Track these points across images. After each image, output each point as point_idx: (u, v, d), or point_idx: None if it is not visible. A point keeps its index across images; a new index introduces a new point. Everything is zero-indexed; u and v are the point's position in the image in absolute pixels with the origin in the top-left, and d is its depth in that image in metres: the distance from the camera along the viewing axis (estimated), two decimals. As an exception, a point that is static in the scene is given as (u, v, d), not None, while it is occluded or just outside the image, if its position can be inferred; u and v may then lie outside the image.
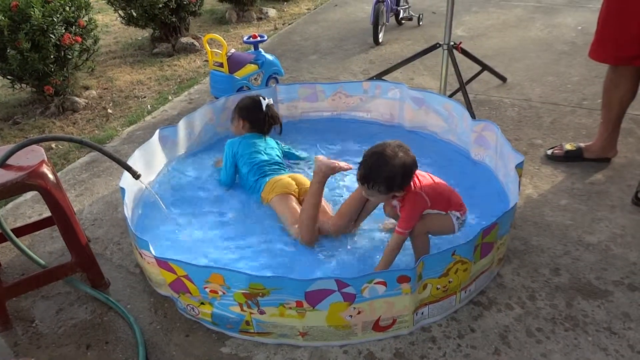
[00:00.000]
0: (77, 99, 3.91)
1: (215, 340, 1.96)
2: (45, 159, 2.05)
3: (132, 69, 4.64)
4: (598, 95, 3.59)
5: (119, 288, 2.23)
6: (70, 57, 3.72)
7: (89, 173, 3.07)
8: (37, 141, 2.06)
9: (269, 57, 3.83)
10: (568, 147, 2.96)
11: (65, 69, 3.76)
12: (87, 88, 4.17)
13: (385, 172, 1.95)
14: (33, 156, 2.04)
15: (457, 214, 2.12)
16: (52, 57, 3.58)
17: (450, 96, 3.50)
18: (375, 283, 1.80)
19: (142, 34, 5.47)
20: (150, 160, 2.76)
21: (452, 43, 3.40)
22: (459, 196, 2.17)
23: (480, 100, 3.68)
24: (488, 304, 2.07)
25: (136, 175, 2.21)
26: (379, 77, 3.73)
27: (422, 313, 1.96)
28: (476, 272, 2.03)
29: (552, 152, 2.99)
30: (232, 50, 3.65)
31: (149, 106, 3.89)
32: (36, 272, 2.10)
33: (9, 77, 3.73)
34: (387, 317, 1.89)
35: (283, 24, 5.75)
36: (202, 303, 1.94)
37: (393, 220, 2.47)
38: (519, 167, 2.31)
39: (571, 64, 4.27)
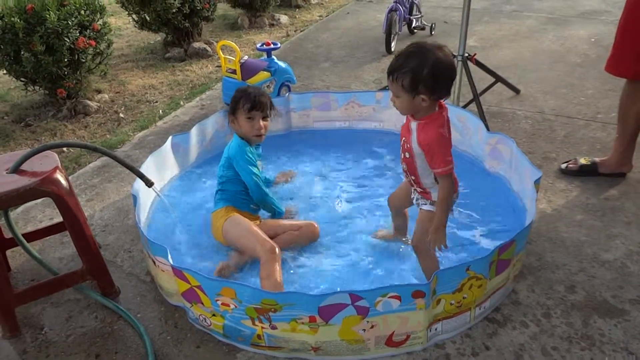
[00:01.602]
0: (89, 102, 3.92)
1: (226, 352, 1.94)
2: (59, 165, 2.04)
3: (144, 73, 4.65)
4: (612, 108, 3.58)
5: (129, 296, 2.22)
6: (83, 60, 3.73)
7: (100, 178, 3.07)
8: (51, 147, 2.05)
9: (282, 64, 3.82)
10: (582, 161, 2.93)
11: (78, 72, 3.77)
12: (99, 91, 4.18)
13: (414, 62, 1.73)
14: (47, 162, 2.04)
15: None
16: (65, 60, 3.58)
17: (464, 107, 3.47)
18: (389, 297, 1.78)
19: (155, 38, 5.49)
20: (161, 167, 2.75)
21: (466, 54, 3.38)
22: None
23: (493, 112, 3.66)
24: (503, 321, 2.04)
25: (149, 183, 2.20)
26: (392, 86, 3.71)
27: (436, 329, 1.93)
28: (491, 288, 2.00)
29: (567, 167, 2.96)
30: (245, 57, 3.64)
31: (160, 111, 3.89)
32: (47, 279, 2.09)
33: (22, 79, 3.74)
34: (401, 333, 1.87)
35: (295, 31, 5.76)
36: (214, 315, 1.92)
37: (385, 230, 2.43)
38: (537, 182, 2.29)
39: (585, 76, 4.24)
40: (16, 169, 1.97)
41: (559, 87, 4.07)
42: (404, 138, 1.96)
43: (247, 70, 3.60)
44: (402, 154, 2.00)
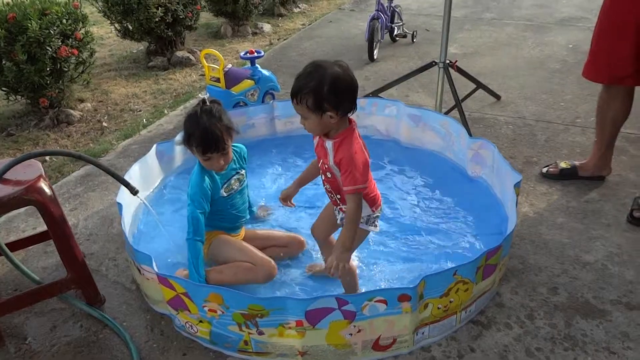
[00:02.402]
0: (71, 111, 3.89)
1: (212, 359, 1.94)
2: (43, 173, 2.03)
3: (127, 82, 4.63)
4: (591, 113, 3.66)
5: (115, 305, 2.20)
6: (66, 69, 3.71)
7: (83, 187, 3.04)
8: (35, 155, 2.04)
9: (266, 72, 3.84)
10: (563, 165, 2.99)
11: (60, 81, 3.74)
12: (82, 101, 4.15)
13: (313, 81, 1.71)
14: (30, 170, 2.02)
15: (369, 210, 1.94)
16: (48, 69, 3.56)
17: (446, 113, 3.52)
18: (375, 301, 1.79)
19: (138, 47, 5.47)
20: (146, 175, 2.74)
21: (447, 61, 3.44)
22: (376, 187, 2.00)
23: (475, 118, 3.72)
24: (487, 324, 2.07)
25: (134, 191, 2.19)
26: (375, 94, 3.76)
27: (423, 333, 1.95)
28: (477, 292, 2.03)
29: (547, 170, 3.01)
30: (229, 66, 3.65)
31: (144, 120, 3.88)
32: (30, 289, 2.06)
33: (3, 88, 3.70)
34: (387, 337, 1.88)
35: (278, 39, 5.79)
36: (201, 321, 1.92)
37: (319, 265, 2.30)
38: (517, 186, 2.33)
39: (564, 82, 4.34)
40: (-1, 178, 1.96)
41: (539, 92, 4.15)
42: (321, 160, 1.92)
43: (231, 78, 3.61)
44: (323, 175, 1.95)
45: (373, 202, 1.97)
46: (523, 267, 2.35)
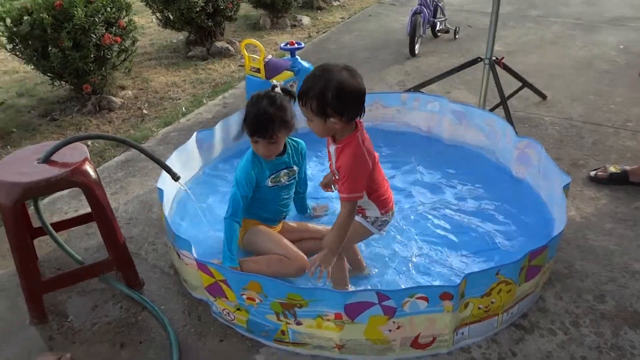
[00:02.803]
0: (113, 98, 3.95)
1: (249, 347, 1.93)
2: (88, 156, 2.05)
3: (167, 71, 4.68)
4: (643, 117, 3.52)
5: (154, 289, 2.22)
6: (109, 56, 3.76)
7: (124, 172, 3.09)
8: (81, 139, 2.07)
9: (305, 64, 3.81)
10: (612, 169, 2.88)
11: (103, 68, 3.80)
12: (123, 88, 4.21)
13: (319, 85, 1.70)
14: (76, 153, 2.05)
15: (378, 213, 1.93)
16: (92, 56, 3.62)
17: (490, 111, 3.44)
18: (417, 298, 1.75)
19: (177, 36, 5.52)
20: (186, 162, 2.75)
21: (494, 58, 3.35)
22: (389, 190, 1.99)
23: (519, 117, 3.61)
24: (530, 328, 2.00)
25: (175, 177, 2.20)
26: (417, 89, 3.69)
27: (462, 333, 1.90)
28: (520, 294, 1.96)
29: (596, 174, 2.90)
30: (269, 57, 3.64)
31: (183, 108, 3.91)
32: (73, 269, 2.10)
33: (49, 74, 3.78)
34: (427, 335, 1.84)
35: (317, 32, 5.76)
36: (238, 309, 1.91)
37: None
38: (566, 188, 2.24)
39: (614, 83, 4.17)
40: (47, 159, 1.99)
41: (587, 93, 4.01)
42: (329, 161, 1.94)
43: (271, 69, 3.60)
44: (333, 176, 1.99)
45: (383, 205, 1.95)
46: (568, 272, 2.26)
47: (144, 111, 3.91)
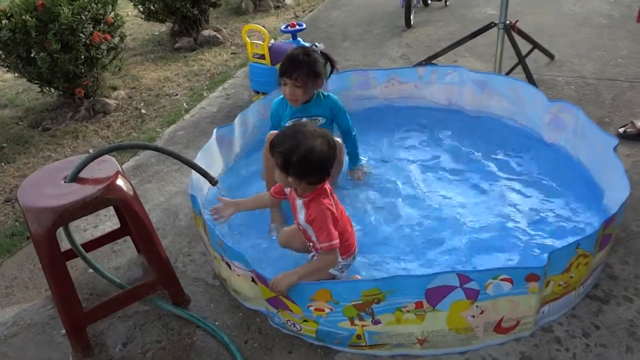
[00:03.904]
0: (107, 100, 3.72)
1: (322, 356, 1.81)
2: (120, 169, 1.87)
3: (156, 66, 4.44)
4: (656, 68, 3.47)
5: (202, 304, 2.07)
6: (99, 56, 3.51)
7: (138, 179, 2.89)
8: (109, 151, 1.88)
9: (308, 46, 3.63)
10: (641, 124, 2.82)
11: (95, 69, 3.55)
12: (115, 88, 3.96)
13: (287, 145, 1.73)
14: (106, 167, 1.87)
15: (340, 258, 1.89)
16: (82, 57, 3.37)
17: (507, 74, 3.34)
18: (500, 279, 1.66)
19: (159, 28, 5.24)
20: (209, 162, 2.58)
21: (508, 22, 3.23)
22: (353, 235, 1.99)
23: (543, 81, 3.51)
24: (605, 298, 1.94)
25: (213, 182, 2.04)
26: (429, 61, 3.55)
27: (543, 312, 1.82)
28: (594, 265, 1.89)
29: (625, 131, 2.84)
30: (272, 41, 3.45)
31: (184, 104, 3.70)
32: (117, 293, 1.93)
33: (36, 81, 3.51)
34: (511, 318, 1.75)
35: (303, 12, 5.55)
36: (305, 320, 1.78)
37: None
38: (615, 149, 2.17)
39: (614, 37, 4.12)
40: (75, 177, 1.81)
41: (592, 49, 3.94)
42: (293, 213, 1.92)
43: (276, 54, 3.41)
44: (296, 224, 1.96)
45: (345, 251, 1.92)
46: (627, 235, 2.20)
47: (142, 111, 3.69)
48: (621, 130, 2.86)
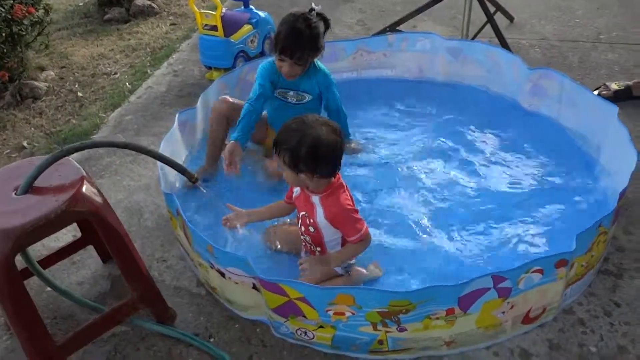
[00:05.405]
0: (35, 83, 3.22)
1: (338, 365, 1.63)
2: (84, 173, 1.56)
3: (86, 42, 3.93)
4: (610, 27, 3.52)
5: (190, 318, 1.82)
6: (23, 32, 3.02)
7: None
8: (69, 152, 1.56)
9: (262, 14, 3.33)
10: (615, 86, 2.81)
11: (18, 47, 3.06)
12: (42, 69, 3.46)
13: (294, 139, 1.63)
14: (66, 171, 1.55)
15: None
16: (2, 35, 2.87)
17: (473, 38, 3.22)
18: (532, 272, 1.54)
19: (82, -1, 4.66)
20: (173, 152, 2.27)
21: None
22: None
23: (497, 44, 3.42)
24: (618, 272, 1.89)
25: (193, 179, 1.77)
26: (393, 28, 3.35)
27: (566, 295, 1.74)
28: (609, 240, 1.82)
29: (599, 93, 2.81)
30: (224, 10, 3.11)
31: (127, 84, 3.29)
32: (93, 319, 1.63)
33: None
34: (538, 307, 1.65)
35: (242, -24, 5.13)
36: (321, 326, 1.59)
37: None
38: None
39: (567, -4, 4.11)
40: (28, 187, 1.47)
41: (548, 10, 3.91)
42: (303, 212, 1.79)
43: (229, 24, 3.09)
44: (304, 228, 1.81)
45: None
46: (624, 203, 2.15)
47: (78, 94, 3.24)
48: (595, 92, 2.82)
